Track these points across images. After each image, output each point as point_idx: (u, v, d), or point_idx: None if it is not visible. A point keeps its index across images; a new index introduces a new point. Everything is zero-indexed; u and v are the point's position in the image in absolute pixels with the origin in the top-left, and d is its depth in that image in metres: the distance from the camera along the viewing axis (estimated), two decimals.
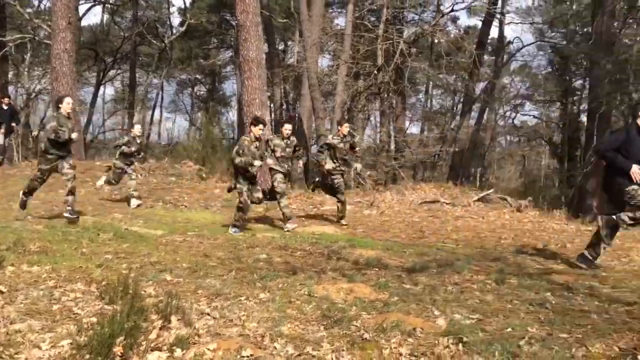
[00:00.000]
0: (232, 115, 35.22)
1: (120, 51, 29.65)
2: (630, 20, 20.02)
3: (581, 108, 27.89)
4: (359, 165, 10.83)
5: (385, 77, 15.37)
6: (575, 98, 29.33)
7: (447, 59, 18.80)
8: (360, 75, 18.98)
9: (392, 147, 17.10)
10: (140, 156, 11.28)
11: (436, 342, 3.26)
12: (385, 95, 16.14)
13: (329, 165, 9.35)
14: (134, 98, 27.33)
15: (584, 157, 18.66)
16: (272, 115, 24.07)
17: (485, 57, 26.50)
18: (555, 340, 3.42)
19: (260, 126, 8.06)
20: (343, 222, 9.45)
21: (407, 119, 27.58)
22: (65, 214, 7.77)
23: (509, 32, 64.58)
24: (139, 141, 10.87)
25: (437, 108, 35.10)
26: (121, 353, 2.95)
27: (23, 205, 8.24)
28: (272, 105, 25.12)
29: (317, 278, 4.85)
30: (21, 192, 8.26)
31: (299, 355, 3.08)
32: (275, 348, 3.16)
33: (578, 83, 28.78)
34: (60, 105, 7.95)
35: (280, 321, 3.59)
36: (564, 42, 25.20)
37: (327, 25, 17.83)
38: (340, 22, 23.89)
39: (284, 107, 24.99)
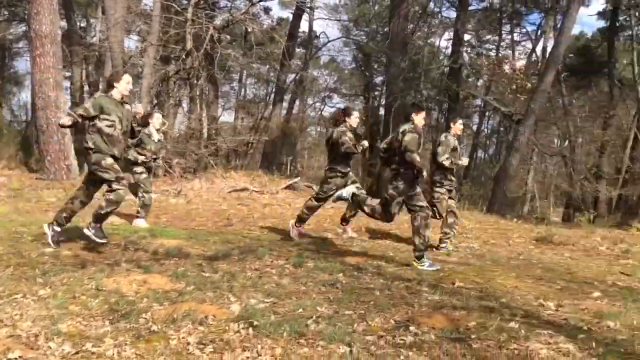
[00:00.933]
0: (26, 95, 31.75)
1: None
2: (422, 24, 22.19)
3: (381, 103, 30.27)
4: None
5: (195, 63, 15.00)
6: (376, 93, 31.72)
7: (260, 49, 18.98)
8: (170, 59, 18.28)
9: (204, 134, 16.76)
10: (155, 159, 7.96)
11: (227, 328, 3.26)
12: (195, 81, 15.74)
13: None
14: None
15: None
16: (71, 97, 22.19)
17: (297, 49, 27.38)
18: (340, 317, 3.62)
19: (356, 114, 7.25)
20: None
21: (220, 107, 27.42)
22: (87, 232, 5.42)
23: (319, 27, 67.48)
24: (157, 138, 7.79)
25: (251, 97, 35.47)
26: None
27: (57, 241, 5.60)
28: (71, 86, 23.16)
29: (109, 271, 4.55)
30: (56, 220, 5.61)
31: (77, 353, 2.85)
32: (50, 347, 2.88)
33: (379, 79, 31.16)
34: (115, 85, 5.41)
35: (60, 318, 3.30)
36: (366, 40, 27.00)
37: (133, 4, 16.84)
38: (148, 1, 22.75)
39: (85, 88, 23.10)
